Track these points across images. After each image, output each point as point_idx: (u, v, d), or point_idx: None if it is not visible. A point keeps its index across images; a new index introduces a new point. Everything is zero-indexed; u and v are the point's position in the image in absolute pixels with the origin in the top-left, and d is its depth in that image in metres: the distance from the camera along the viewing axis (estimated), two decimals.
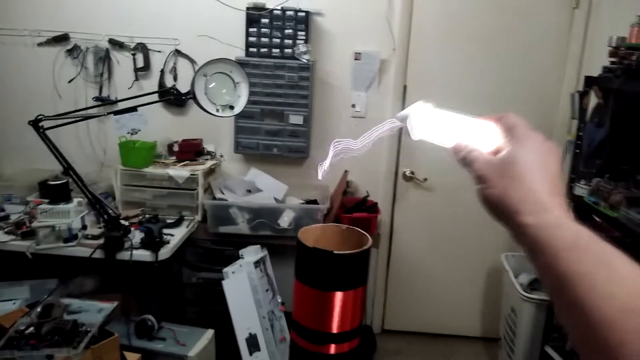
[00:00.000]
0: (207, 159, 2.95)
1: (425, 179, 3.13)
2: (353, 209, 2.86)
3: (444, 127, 0.64)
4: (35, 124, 2.12)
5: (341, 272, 1.53)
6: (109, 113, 2.36)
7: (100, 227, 2.42)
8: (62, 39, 2.95)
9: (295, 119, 2.89)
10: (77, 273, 2.59)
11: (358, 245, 1.58)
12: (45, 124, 2.15)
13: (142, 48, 2.96)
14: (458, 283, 3.29)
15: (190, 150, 2.90)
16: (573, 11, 2.89)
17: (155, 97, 2.44)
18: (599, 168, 2.25)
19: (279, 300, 2.74)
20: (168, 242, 2.41)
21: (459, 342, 3.34)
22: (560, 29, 2.92)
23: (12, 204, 2.67)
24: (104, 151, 3.09)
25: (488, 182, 0.56)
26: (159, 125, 2.90)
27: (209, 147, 3.01)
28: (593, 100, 2.37)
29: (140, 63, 2.98)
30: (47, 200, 2.32)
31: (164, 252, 2.36)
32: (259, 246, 2.74)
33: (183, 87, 2.31)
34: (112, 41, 2.95)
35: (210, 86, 2.08)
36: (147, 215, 2.66)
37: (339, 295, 1.53)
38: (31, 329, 1.80)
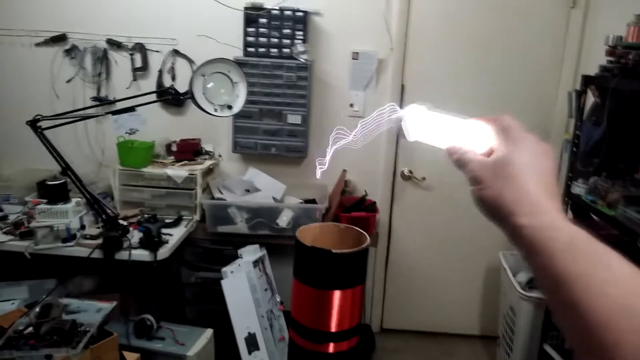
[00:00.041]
0: (205, 159, 2.95)
1: (424, 178, 3.13)
2: (351, 208, 2.86)
3: (438, 129, 0.64)
4: (33, 124, 2.12)
5: (339, 271, 1.53)
6: (107, 113, 2.36)
7: (98, 227, 2.42)
8: (59, 39, 2.95)
9: (294, 118, 2.89)
10: (76, 273, 2.59)
11: (356, 244, 1.58)
12: (43, 124, 2.15)
13: (140, 48, 2.96)
14: (456, 281, 3.30)
15: (189, 150, 2.90)
16: (570, 10, 2.90)
17: (153, 97, 2.44)
18: (597, 166, 2.26)
19: (278, 300, 2.74)
20: (167, 242, 2.42)
21: (458, 341, 3.35)
22: (557, 28, 2.93)
23: (10, 204, 2.67)
24: (102, 151, 3.09)
25: (482, 184, 0.56)
26: (157, 125, 2.90)
27: (207, 146, 3.02)
28: (590, 99, 2.37)
29: (138, 63, 2.98)
30: (45, 201, 2.32)
31: (163, 252, 2.36)
32: (257, 246, 2.74)
33: (181, 87, 2.31)
34: (110, 41, 2.95)
35: (208, 86, 2.08)
36: (145, 215, 2.66)
37: (337, 294, 1.53)
38: (30, 329, 1.79)
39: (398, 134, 2.81)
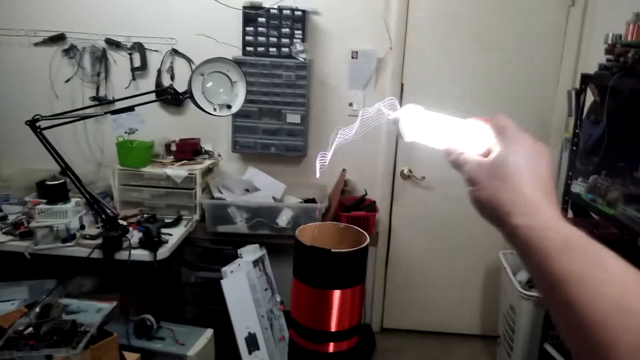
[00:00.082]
0: (204, 159, 2.94)
1: (423, 177, 3.13)
2: (351, 207, 2.86)
3: (435, 130, 0.64)
4: (32, 124, 2.12)
5: (339, 270, 1.53)
6: (106, 113, 2.36)
7: (98, 227, 2.42)
8: (58, 38, 2.94)
9: (293, 117, 2.89)
10: (76, 273, 2.59)
11: (356, 243, 1.58)
12: (42, 124, 2.15)
13: (139, 47, 2.95)
14: (457, 281, 3.30)
15: (188, 150, 2.90)
16: (569, 9, 2.90)
17: (152, 96, 2.44)
18: (596, 165, 2.25)
19: (278, 299, 2.74)
20: (166, 242, 2.41)
21: (458, 340, 3.35)
22: (556, 26, 2.93)
23: (10, 204, 2.66)
24: (102, 151, 3.08)
25: (479, 184, 0.56)
26: (157, 125, 2.90)
27: (206, 146, 3.01)
28: (590, 98, 2.37)
29: (137, 62, 2.97)
30: (44, 201, 2.32)
31: (163, 252, 2.36)
32: (257, 245, 2.74)
33: (180, 86, 2.30)
34: (108, 41, 2.95)
35: (207, 85, 2.08)
36: (145, 215, 2.66)
37: (337, 294, 1.53)
38: (30, 329, 1.79)
39: (396, 135, 2.81)
